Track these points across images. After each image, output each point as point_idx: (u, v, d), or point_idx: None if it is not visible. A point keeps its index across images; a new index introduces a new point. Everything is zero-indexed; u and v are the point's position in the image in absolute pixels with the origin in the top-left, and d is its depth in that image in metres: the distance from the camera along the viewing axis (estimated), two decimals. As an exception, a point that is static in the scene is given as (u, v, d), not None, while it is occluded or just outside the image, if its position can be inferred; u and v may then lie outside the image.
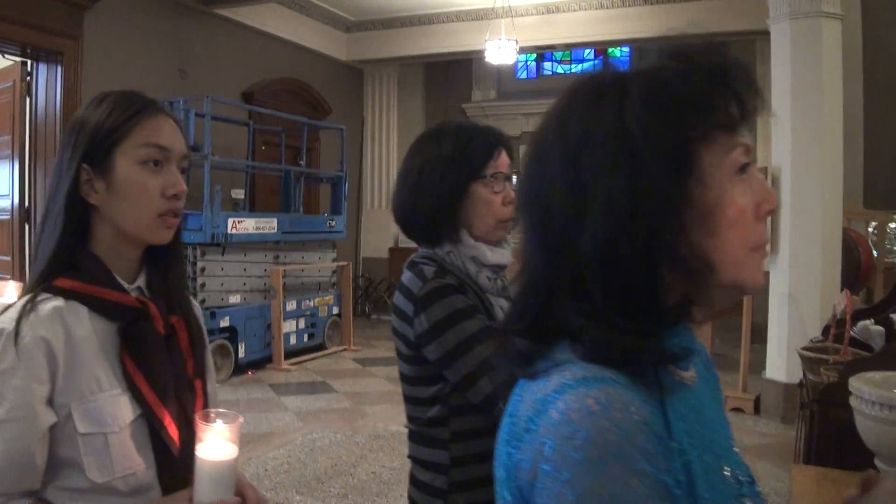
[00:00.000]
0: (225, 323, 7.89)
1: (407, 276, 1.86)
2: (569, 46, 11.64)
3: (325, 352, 9.35)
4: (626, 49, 12.45)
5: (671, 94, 0.92)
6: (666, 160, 0.88)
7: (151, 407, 1.41)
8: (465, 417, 1.80)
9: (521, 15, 10.58)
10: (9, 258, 7.87)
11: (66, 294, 1.40)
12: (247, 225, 8.17)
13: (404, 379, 1.90)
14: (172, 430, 1.42)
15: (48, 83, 7.84)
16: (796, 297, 6.57)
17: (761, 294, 7.60)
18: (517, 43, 9.75)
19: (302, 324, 9.08)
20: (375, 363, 8.97)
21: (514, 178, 1.90)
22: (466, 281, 1.85)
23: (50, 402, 1.33)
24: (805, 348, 3.78)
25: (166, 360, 1.46)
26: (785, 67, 6.74)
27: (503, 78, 13.26)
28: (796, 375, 6.37)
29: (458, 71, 13.16)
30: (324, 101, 11.61)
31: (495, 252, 1.89)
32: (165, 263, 1.54)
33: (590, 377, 0.85)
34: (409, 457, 1.91)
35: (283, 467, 5.40)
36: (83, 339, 1.38)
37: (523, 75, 13.33)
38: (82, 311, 1.40)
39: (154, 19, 8.75)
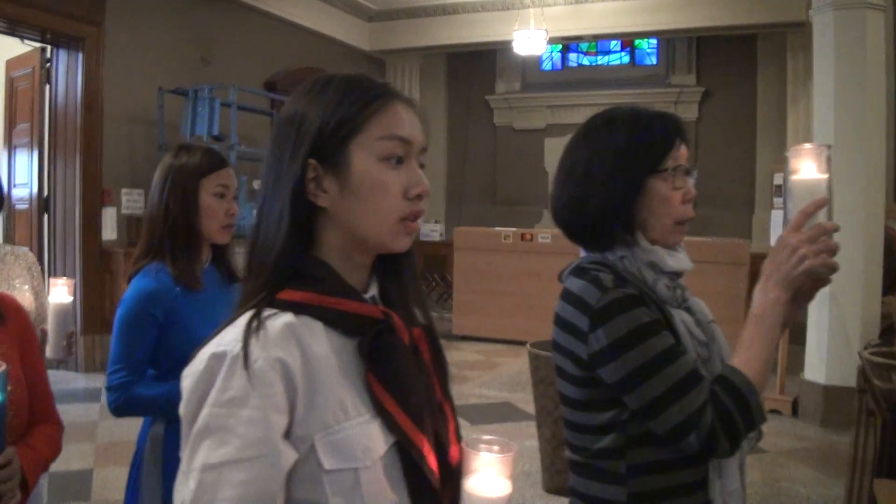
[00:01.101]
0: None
1: (577, 285, 1.63)
2: (596, 38, 11.46)
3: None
4: (653, 41, 12.25)
5: None
6: None
7: (407, 434, 1.18)
8: (645, 449, 1.58)
9: (549, 5, 10.38)
10: (27, 248, 7.73)
11: (297, 308, 1.18)
12: (271, 216, 7.97)
13: (568, 402, 1.68)
14: (432, 461, 1.21)
15: (69, 70, 7.71)
16: (837, 297, 6.36)
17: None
18: (547, 33, 9.56)
19: (325, 318, 8.85)
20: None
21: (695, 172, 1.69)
22: (644, 290, 1.63)
23: (287, 435, 1.11)
24: (870, 352, 3.59)
25: (418, 378, 1.24)
26: (828, 59, 6.55)
27: (528, 69, 13.06)
28: (837, 377, 6.29)
29: (482, 62, 12.96)
30: (346, 92, 11.39)
31: (674, 257, 1.69)
32: (397, 268, 1.32)
33: None
34: (572, 490, 1.71)
35: None
36: (322, 358, 1.15)
37: (548, 67, 13.12)
38: (317, 326, 1.18)
39: (176, 5, 8.62)
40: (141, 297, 2.25)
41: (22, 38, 7.61)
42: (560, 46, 12.32)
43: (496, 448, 1.33)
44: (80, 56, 7.62)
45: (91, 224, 7.67)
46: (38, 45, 7.71)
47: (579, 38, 11.41)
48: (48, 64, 7.75)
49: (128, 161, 8.07)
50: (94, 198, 7.71)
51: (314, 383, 1.13)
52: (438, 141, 13.22)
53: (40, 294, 2.73)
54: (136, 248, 2.38)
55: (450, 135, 13.26)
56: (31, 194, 7.84)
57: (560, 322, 1.66)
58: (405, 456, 1.17)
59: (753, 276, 8.94)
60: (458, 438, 1.27)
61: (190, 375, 1.13)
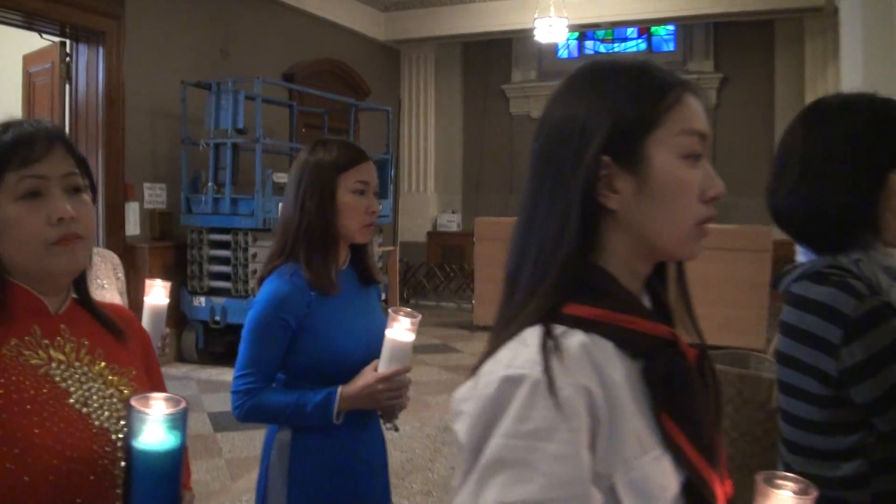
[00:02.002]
0: (275, 310, 7.63)
1: (822, 292, 1.46)
2: (613, 25, 11.36)
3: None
4: (670, 27, 12.14)
5: None
6: None
7: (700, 472, 1.04)
8: (892, 476, 1.42)
9: (567, -8, 10.30)
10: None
11: (586, 325, 1.03)
12: (296, 209, 7.91)
13: (800, 424, 1.51)
14: (721, 501, 1.07)
15: (89, 64, 7.62)
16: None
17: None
18: (569, 20, 9.47)
19: (350, 311, 8.80)
20: (426, 350, 8.74)
21: None
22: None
23: None
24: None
25: (708, 408, 1.10)
26: (856, 43, 6.47)
27: (544, 58, 12.93)
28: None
29: (498, 51, 12.85)
30: (363, 82, 11.35)
31: None
32: (674, 279, 1.19)
33: None
34: None
35: None
36: (619, 384, 1.01)
37: (564, 55, 13.00)
38: (608, 347, 1.03)
39: (195, -2, 8.54)
40: (273, 301, 2.15)
41: (41, 32, 7.52)
42: (577, 34, 12.20)
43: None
44: (101, 50, 7.54)
45: (115, 219, 7.59)
46: (56, 39, 7.62)
47: (597, 26, 11.32)
48: (68, 58, 7.65)
49: (150, 155, 8.00)
50: (117, 193, 7.63)
51: (615, 413, 0.99)
52: (455, 131, 13.13)
53: (123, 295, 2.65)
54: (271, 248, 2.29)
55: (466, 124, 13.18)
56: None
57: (795, 333, 1.50)
58: (695, 496, 1.05)
59: (776, 263, 8.93)
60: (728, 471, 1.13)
61: (474, 399, 1.00)
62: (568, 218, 1.06)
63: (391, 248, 9.69)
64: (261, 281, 2.24)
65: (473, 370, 1.06)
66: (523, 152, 12.70)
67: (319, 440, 2.16)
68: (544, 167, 1.11)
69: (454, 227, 12.55)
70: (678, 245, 1.10)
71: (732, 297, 8.74)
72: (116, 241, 7.50)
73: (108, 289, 2.53)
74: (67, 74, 7.67)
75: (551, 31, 9.46)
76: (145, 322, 2.38)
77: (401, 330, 2.10)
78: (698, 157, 1.08)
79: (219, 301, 7.51)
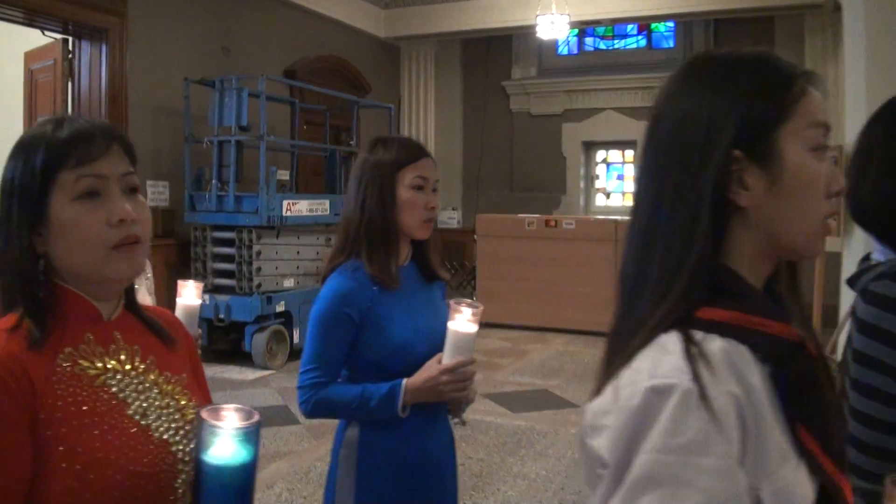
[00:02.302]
0: (280, 307, 7.71)
1: None
2: (614, 21, 11.38)
3: (376, 337, 9.06)
4: (670, 24, 12.15)
5: None
6: None
7: (832, 478, 0.99)
8: None
9: (567, -12, 10.32)
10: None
11: (722, 329, 0.98)
12: (300, 207, 7.96)
13: (874, 424, 1.49)
14: None
15: (92, 61, 7.61)
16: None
17: (834, 276, 7.39)
18: (570, 17, 9.48)
19: (351, 308, 8.80)
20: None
21: None
22: None
23: None
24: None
25: (834, 411, 1.07)
26: (859, 39, 6.46)
27: (544, 54, 12.93)
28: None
29: (497, 48, 12.84)
30: (363, 80, 11.35)
31: None
32: (791, 279, 1.14)
33: None
34: None
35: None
36: (758, 391, 0.96)
37: (564, 51, 13.00)
38: (744, 351, 0.98)
39: (197, -5, 8.54)
40: (336, 296, 2.18)
41: (43, 29, 7.51)
42: (576, 31, 12.20)
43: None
44: (104, 47, 7.53)
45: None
46: (59, 36, 7.61)
47: (597, 23, 11.32)
48: (70, 56, 7.65)
49: (153, 153, 7.99)
50: (121, 190, 7.59)
51: (759, 422, 0.94)
52: (455, 128, 13.13)
53: (152, 295, 2.65)
54: (333, 246, 2.32)
55: (466, 122, 13.16)
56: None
57: (874, 332, 1.48)
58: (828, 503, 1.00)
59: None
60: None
61: (617, 412, 0.95)
62: (697, 218, 1.01)
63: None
64: (324, 278, 2.27)
65: (601, 381, 1.02)
66: (524, 149, 12.76)
67: (387, 436, 2.18)
68: (666, 167, 1.06)
69: (454, 224, 12.56)
70: (807, 242, 1.06)
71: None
72: (120, 238, 7.47)
73: (138, 289, 2.54)
74: (70, 72, 7.67)
75: (553, 27, 9.47)
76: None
77: (463, 321, 2.11)
78: (825, 150, 1.05)
79: (223, 299, 7.49)
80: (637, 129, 12.33)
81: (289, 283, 8.01)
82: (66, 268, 1.33)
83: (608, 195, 13.10)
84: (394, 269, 2.22)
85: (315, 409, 2.17)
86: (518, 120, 12.94)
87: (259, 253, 7.51)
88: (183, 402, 1.41)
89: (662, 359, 0.94)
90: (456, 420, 2.32)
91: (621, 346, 1.03)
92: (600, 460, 0.96)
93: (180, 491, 1.32)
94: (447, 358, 2.12)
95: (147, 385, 1.38)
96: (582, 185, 12.86)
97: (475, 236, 10.65)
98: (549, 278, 9.49)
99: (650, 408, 0.91)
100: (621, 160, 13.00)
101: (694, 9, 10.47)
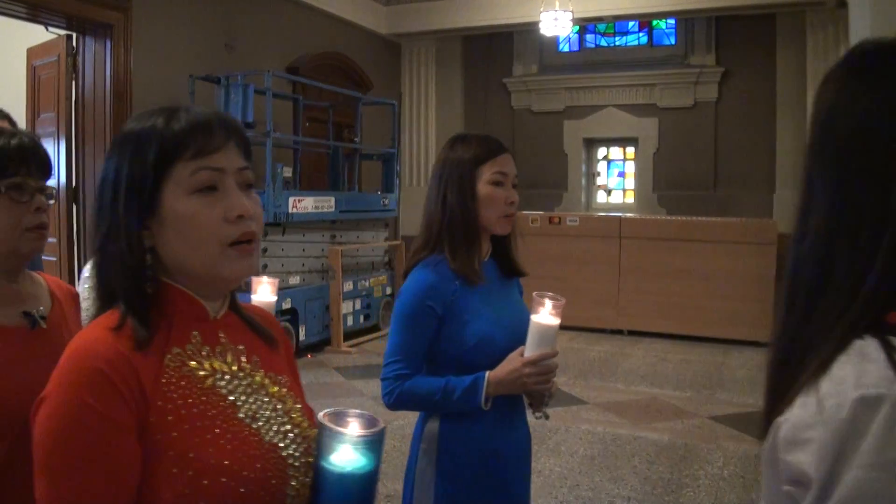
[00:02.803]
0: (287, 305, 7.69)
1: None
2: (616, 18, 11.37)
3: (381, 333, 9.06)
4: (671, 21, 12.15)
5: None
6: None
7: None
8: None
9: (569, -14, 10.31)
10: (55, 240, 7.60)
11: None
12: (306, 204, 7.95)
13: None
14: None
15: (96, 58, 7.56)
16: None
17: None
18: (573, 14, 9.47)
19: (358, 304, 8.86)
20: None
21: None
22: None
23: None
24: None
25: None
26: (866, 35, 6.47)
27: (545, 51, 12.92)
28: None
29: (498, 45, 12.85)
30: (365, 76, 11.32)
31: None
32: None
33: None
34: None
35: (401, 459, 5.17)
36: None
37: (565, 48, 12.99)
38: None
39: (201, -9, 8.50)
40: (420, 289, 2.20)
41: (46, 24, 7.46)
42: (577, 28, 12.20)
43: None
44: (109, 43, 7.49)
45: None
46: (62, 32, 7.57)
47: (599, 20, 11.31)
48: (74, 52, 7.60)
49: (158, 150, 7.93)
50: (126, 188, 7.55)
51: None
52: (456, 125, 13.10)
53: None
54: (414, 241, 2.34)
55: (467, 118, 13.14)
56: (59, 185, 7.70)
57: None
58: None
59: (781, 255, 8.91)
60: None
61: (822, 425, 0.88)
62: (887, 218, 0.94)
63: (398, 242, 9.65)
64: (406, 273, 2.28)
65: (784, 390, 0.97)
66: (525, 146, 12.73)
67: (466, 429, 2.19)
68: (846, 167, 0.99)
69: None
70: None
71: (738, 290, 8.80)
72: None
73: None
74: (74, 68, 7.63)
75: (556, 24, 9.46)
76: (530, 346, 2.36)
77: (545, 314, 2.13)
78: None
79: (229, 295, 7.46)
80: (638, 126, 12.49)
81: (294, 279, 8.01)
82: (177, 264, 1.26)
83: (609, 192, 13.12)
84: (477, 265, 2.23)
85: (398, 400, 2.18)
86: (519, 117, 12.94)
87: (265, 250, 7.49)
88: (290, 405, 1.36)
89: (866, 367, 0.88)
90: (538, 414, 2.31)
91: (801, 354, 0.97)
92: (802, 477, 0.90)
93: (291, 497, 1.26)
94: (529, 350, 2.14)
95: (255, 386, 1.32)
96: (583, 182, 12.87)
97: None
98: (553, 275, 9.45)
99: (859, 420, 0.85)
100: (622, 157, 13.01)
101: (695, 6, 10.49)
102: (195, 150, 1.24)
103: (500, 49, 12.92)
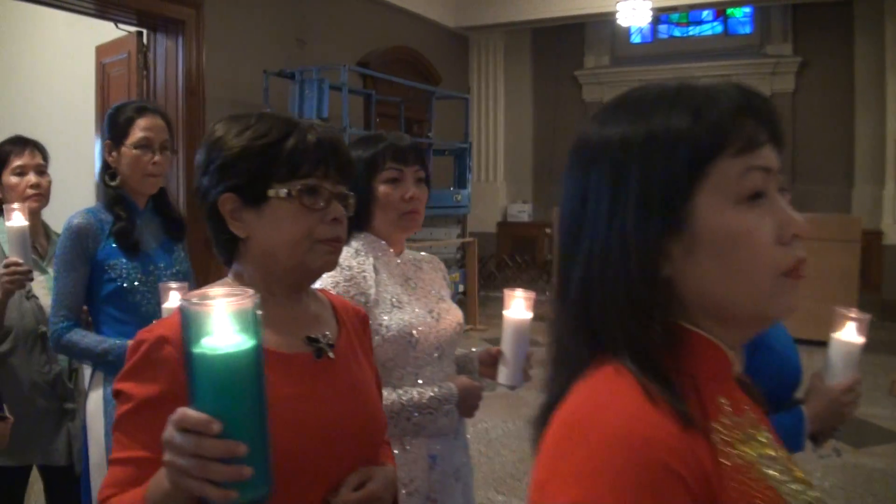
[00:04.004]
0: (362, 305, 7.45)
1: None
2: (691, 7, 10.99)
3: (454, 332, 8.84)
4: (747, 9, 11.74)
5: None
6: None
7: None
8: None
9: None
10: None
11: None
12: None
13: None
14: None
15: (168, 54, 7.44)
16: None
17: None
18: (652, 2, 9.17)
19: (432, 303, 8.62)
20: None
21: None
22: None
23: None
24: None
25: None
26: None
27: (617, 43, 12.57)
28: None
29: (569, 37, 12.51)
30: (434, 71, 11.10)
31: None
32: None
33: None
34: None
35: (489, 465, 5.10)
36: None
37: (637, 39, 12.64)
38: None
39: (272, -14, 8.36)
40: None
41: (116, 21, 7.34)
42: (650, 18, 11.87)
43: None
44: (181, 39, 7.36)
45: (197, 215, 7.41)
46: (133, 29, 7.46)
47: (674, 9, 10.96)
48: (145, 49, 7.49)
49: (232, 148, 7.81)
50: (200, 187, 7.44)
51: None
52: (525, 119, 12.86)
53: None
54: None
55: (536, 112, 12.87)
56: (131, 184, 7.60)
57: None
58: None
59: (864, 254, 8.58)
60: None
61: None
62: None
63: (471, 239, 9.45)
64: None
65: None
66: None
67: None
68: None
69: (525, 218, 12.25)
70: None
71: (821, 289, 8.43)
72: (199, 237, 7.33)
73: (446, 300, 2.25)
74: (145, 65, 7.51)
75: (634, 13, 9.16)
76: (507, 342, 2.12)
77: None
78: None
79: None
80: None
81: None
82: (705, 301, 0.93)
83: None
84: None
85: None
86: (592, 110, 12.51)
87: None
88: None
89: None
90: (827, 453, 2.24)
91: None
92: None
93: None
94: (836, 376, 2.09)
95: (790, 468, 0.98)
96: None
97: (546, 230, 10.38)
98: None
99: None
100: (696, 151, 12.63)
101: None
102: (744, 142, 0.91)
103: (570, 41, 12.60)
